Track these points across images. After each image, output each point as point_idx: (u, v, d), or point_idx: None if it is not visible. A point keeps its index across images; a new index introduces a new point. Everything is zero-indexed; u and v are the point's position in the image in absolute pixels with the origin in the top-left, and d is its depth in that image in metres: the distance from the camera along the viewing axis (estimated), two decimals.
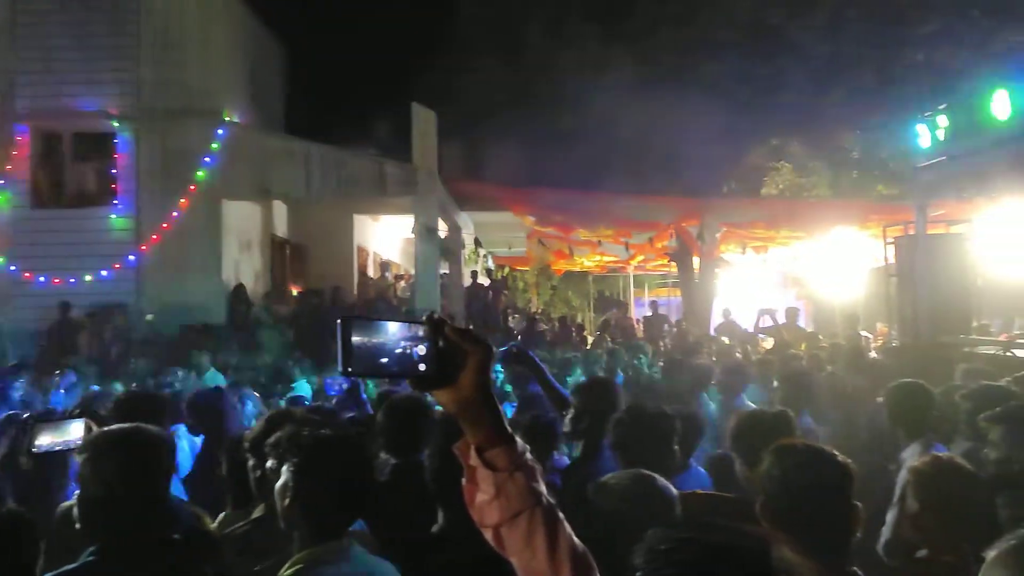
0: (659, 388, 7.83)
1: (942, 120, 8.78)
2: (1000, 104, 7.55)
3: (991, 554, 1.42)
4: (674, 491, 2.27)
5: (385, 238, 18.82)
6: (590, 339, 15.47)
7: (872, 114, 17.57)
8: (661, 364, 9.08)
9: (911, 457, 3.63)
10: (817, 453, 2.24)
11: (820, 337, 13.11)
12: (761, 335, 13.74)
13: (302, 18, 18.31)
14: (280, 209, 15.83)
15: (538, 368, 4.15)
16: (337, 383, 5.74)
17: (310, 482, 2.17)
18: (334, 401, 5.48)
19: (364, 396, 5.39)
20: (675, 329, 15.06)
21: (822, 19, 18.39)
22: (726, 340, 12.68)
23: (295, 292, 15.50)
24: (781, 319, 14.11)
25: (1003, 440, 2.89)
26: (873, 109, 17.46)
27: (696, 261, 16.70)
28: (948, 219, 11.82)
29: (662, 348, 13.07)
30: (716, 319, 15.99)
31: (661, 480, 2.28)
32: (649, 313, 16.82)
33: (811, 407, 5.52)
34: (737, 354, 10.70)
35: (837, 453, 2.25)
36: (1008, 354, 7.82)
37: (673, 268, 18.30)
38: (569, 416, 3.71)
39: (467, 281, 16.59)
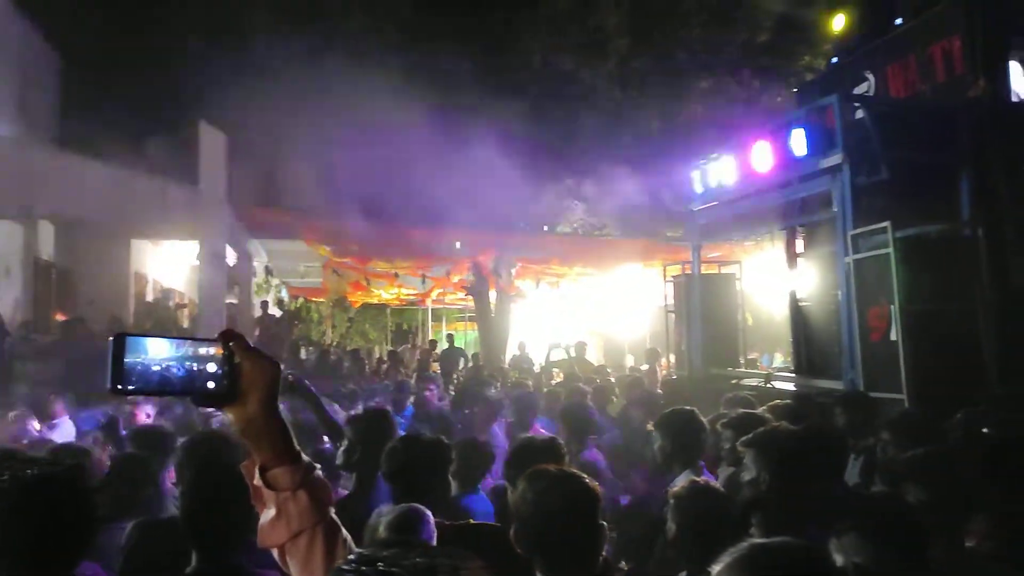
0: (449, 420, 7.82)
1: (713, 168, 9.48)
2: (761, 156, 8.23)
3: (715, 568, 1.47)
4: (432, 524, 2.22)
5: (167, 264, 17.67)
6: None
7: (657, 160, 18.77)
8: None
9: (681, 483, 3.77)
10: (565, 477, 2.29)
11: (608, 370, 13.70)
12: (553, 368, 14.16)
13: (81, 27, 16.92)
14: (47, 230, 14.44)
15: (313, 398, 4.00)
16: (92, 418, 5.21)
17: (10, 531, 1.90)
18: (91, 438, 4.96)
19: (123, 432, 4.92)
20: (470, 362, 15.19)
21: (613, 69, 19.49)
22: (515, 375, 12.94)
23: (60, 321, 14.14)
24: (572, 353, 14.63)
25: (754, 462, 3.06)
26: (657, 155, 18.65)
27: (492, 295, 17.02)
28: (721, 260, 12.78)
29: (456, 381, 13.12)
30: (511, 352, 16.34)
31: (425, 514, 2.23)
32: (446, 346, 16.88)
33: (592, 438, 5.71)
34: (528, 385, 10.92)
35: (585, 477, 2.30)
36: (768, 385, 8.52)
37: (470, 301, 18.53)
38: (342, 448, 3.59)
39: (258, 311, 15.92)
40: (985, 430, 3.83)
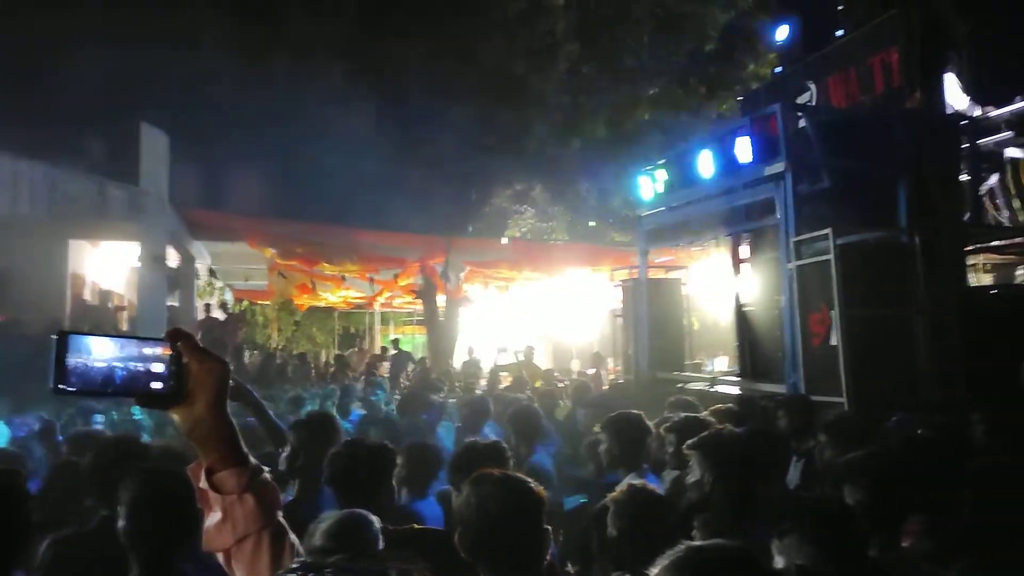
0: (396, 424, 7.76)
1: (660, 174, 9.56)
2: (705, 163, 8.34)
3: (653, 570, 1.50)
4: (376, 529, 2.18)
5: (107, 266, 17.22)
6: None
7: (605, 165, 18.93)
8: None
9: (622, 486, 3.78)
10: (508, 481, 2.28)
11: (556, 373, 13.74)
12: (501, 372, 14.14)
13: (14, 22, 16.37)
14: None
15: (255, 402, 3.92)
16: (26, 424, 5.04)
17: None
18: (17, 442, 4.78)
19: (60, 438, 4.77)
20: (418, 367, 15.10)
21: (562, 74, 19.59)
22: (460, 381, 12.90)
23: None
24: (521, 357, 14.64)
25: (699, 465, 3.09)
26: (606, 161, 18.81)
27: (441, 299, 16.93)
28: (668, 265, 12.92)
29: (403, 385, 13.04)
30: (460, 356, 16.29)
31: (368, 519, 2.19)
32: (393, 350, 16.76)
33: (540, 442, 5.71)
34: (477, 391, 10.89)
35: (529, 480, 2.30)
36: (713, 389, 8.62)
37: (419, 305, 18.42)
38: (285, 454, 3.52)
39: (201, 314, 15.60)
40: (920, 432, 3.92)
